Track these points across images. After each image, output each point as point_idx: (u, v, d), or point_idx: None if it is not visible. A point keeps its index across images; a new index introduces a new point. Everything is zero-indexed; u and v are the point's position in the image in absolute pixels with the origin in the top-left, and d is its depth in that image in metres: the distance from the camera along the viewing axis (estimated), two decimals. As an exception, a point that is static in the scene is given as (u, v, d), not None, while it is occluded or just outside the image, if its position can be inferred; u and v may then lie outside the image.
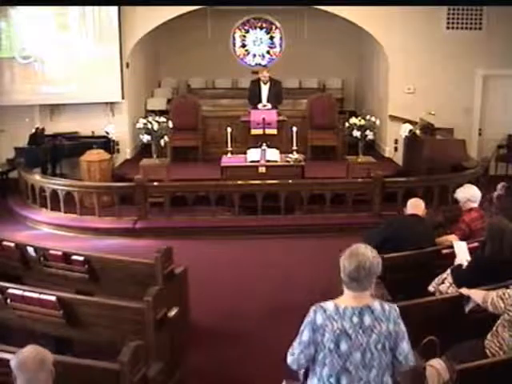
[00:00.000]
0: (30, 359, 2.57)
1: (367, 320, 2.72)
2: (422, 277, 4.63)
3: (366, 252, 2.76)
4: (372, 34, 10.12)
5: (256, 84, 9.53)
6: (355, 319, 2.71)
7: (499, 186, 6.49)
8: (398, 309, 2.83)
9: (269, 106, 9.26)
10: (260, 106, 9.29)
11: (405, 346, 2.79)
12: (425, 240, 5.01)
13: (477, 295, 3.86)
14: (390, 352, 2.77)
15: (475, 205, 5.38)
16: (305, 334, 2.77)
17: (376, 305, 2.77)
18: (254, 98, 9.42)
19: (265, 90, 9.41)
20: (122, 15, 9.80)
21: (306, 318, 2.80)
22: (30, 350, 2.63)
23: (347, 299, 2.78)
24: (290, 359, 2.84)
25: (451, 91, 10.05)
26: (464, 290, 4.00)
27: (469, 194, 5.40)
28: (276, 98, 9.43)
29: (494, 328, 3.65)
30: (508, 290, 3.65)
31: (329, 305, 2.77)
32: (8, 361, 2.67)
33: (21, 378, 2.56)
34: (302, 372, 2.96)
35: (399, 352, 2.78)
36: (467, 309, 3.95)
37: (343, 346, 2.70)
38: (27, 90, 9.82)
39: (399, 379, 3.20)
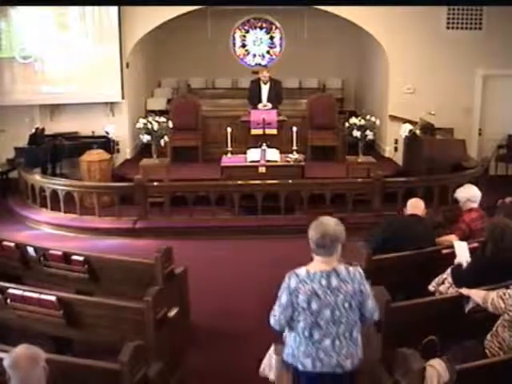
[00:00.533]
0: (22, 358, 2.59)
1: (334, 282, 3.11)
2: (421, 277, 4.63)
3: (330, 222, 3.17)
4: (372, 33, 10.12)
5: (256, 84, 9.54)
6: (323, 281, 3.10)
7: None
8: (362, 271, 3.20)
9: (269, 105, 9.26)
10: (260, 106, 9.29)
11: (369, 303, 3.18)
12: (425, 240, 5.01)
13: (477, 295, 3.86)
14: (358, 310, 3.15)
15: (475, 205, 5.38)
16: (283, 298, 3.17)
17: (342, 268, 3.16)
18: (254, 98, 9.42)
19: (265, 90, 9.41)
20: (122, 15, 9.79)
21: (282, 284, 3.19)
22: (22, 349, 2.64)
23: (317, 264, 3.17)
24: (272, 321, 3.25)
25: (451, 91, 10.04)
26: (464, 290, 4.00)
27: (469, 194, 5.40)
28: (276, 97, 9.43)
29: (494, 328, 3.65)
30: (508, 290, 3.65)
31: (301, 271, 3.17)
32: (5, 360, 2.68)
33: (15, 377, 2.58)
34: (285, 334, 3.32)
35: (365, 309, 3.18)
36: (467, 309, 3.95)
37: (314, 305, 3.09)
38: (27, 89, 9.81)
39: (399, 379, 3.21)
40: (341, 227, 3.18)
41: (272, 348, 3.54)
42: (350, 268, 3.18)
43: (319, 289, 3.09)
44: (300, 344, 3.17)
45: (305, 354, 3.16)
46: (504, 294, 3.64)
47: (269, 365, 3.51)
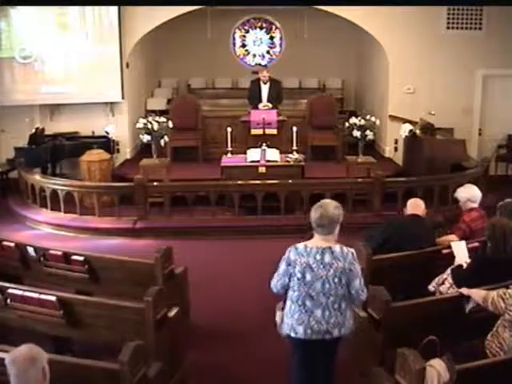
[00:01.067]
0: (20, 356, 2.59)
1: (327, 258, 3.49)
2: (421, 277, 4.63)
3: (329, 205, 3.57)
4: (372, 33, 10.12)
5: (256, 84, 9.53)
6: (318, 256, 3.49)
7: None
8: (355, 253, 3.56)
9: (269, 105, 9.26)
10: (260, 105, 9.29)
11: (357, 283, 3.52)
12: (425, 240, 5.01)
13: (477, 295, 3.86)
14: (346, 286, 3.51)
15: (475, 205, 5.38)
16: (281, 267, 3.62)
17: (336, 247, 3.53)
18: (254, 98, 9.42)
19: (265, 89, 9.41)
20: (122, 15, 9.80)
21: (283, 256, 3.62)
22: (23, 348, 2.65)
23: (315, 241, 3.57)
24: (272, 284, 3.71)
25: (451, 91, 10.04)
26: (464, 290, 4.00)
27: (468, 194, 5.40)
28: (276, 97, 9.43)
29: (495, 328, 3.65)
30: (508, 290, 3.64)
31: (300, 245, 3.58)
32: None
33: (12, 375, 2.59)
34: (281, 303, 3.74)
35: (352, 287, 3.52)
36: (467, 309, 3.95)
37: (308, 277, 3.49)
38: (27, 89, 9.82)
39: (399, 379, 3.21)
40: (339, 211, 3.57)
41: (278, 305, 3.83)
42: (345, 248, 3.54)
43: (313, 263, 3.49)
44: (294, 312, 3.57)
45: (298, 322, 3.55)
46: (504, 294, 3.64)
47: (279, 322, 3.78)
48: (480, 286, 3.96)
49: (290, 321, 3.59)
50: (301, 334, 3.55)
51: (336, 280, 3.47)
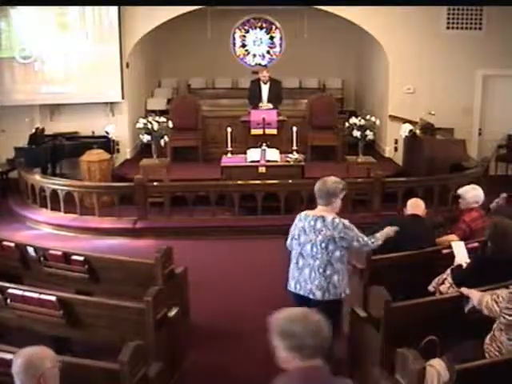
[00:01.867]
0: (18, 360, 2.54)
1: (318, 225, 4.02)
2: (421, 277, 4.63)
3: (329, 180, 4.11)
4: (372, 33, 10.12)
5: (256, 84, 9.54)
6: (312, 222, 4.05)
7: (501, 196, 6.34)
8: (347, 223, 4.05)
9: (269, 106, 9.26)
10: (260, 106, 9.29)
11: (355, 244, 4.09)
12: (425, 240, 5.01)
13: (474, 296, 3.85)
14: (332, 252, 3.97)
15: (476, 205, 5.38)
16: (291, 229, 4.23)
17: (329, 217, 4.03)
18: (254, 98, 9.43)
19: (265, 89, 9.42)
20: (122, 15, 9.79)
21: None
22: (27, 351, 2.59)
23: (315, 210, 4.13)
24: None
25: (451, 91, 10.04)
26: (464, 290, 4.00)
27: (472, 195, 5.39)
28: (276, 97, 9.43)
29: (492, 331, 3.63)
30: (502, 294, 3.60)
31: (304, 212, 4.19)
32: (7, 361, 2.67)
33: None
34: None
35: (352, 247, 4.12)
36: (467, 309, 3.94)
37: (301, 238, 4.09)
38: (27, 89, 9.81)
39: (399, 379, 3.21)
40: (336, 185, 4.09)
41: None
42: (336, 219, 4.02)
43: (307, 227, 4.05)
44: (292, 269, 4.19)
45: (291, 277, 4.19)
46: (498, 297, 3.61)
47: None
48: (480, 286, 3.96)
49: (290, 276, 4.21)
50: (292, 288, 4.16)
51: (323, 245, 3.97)
